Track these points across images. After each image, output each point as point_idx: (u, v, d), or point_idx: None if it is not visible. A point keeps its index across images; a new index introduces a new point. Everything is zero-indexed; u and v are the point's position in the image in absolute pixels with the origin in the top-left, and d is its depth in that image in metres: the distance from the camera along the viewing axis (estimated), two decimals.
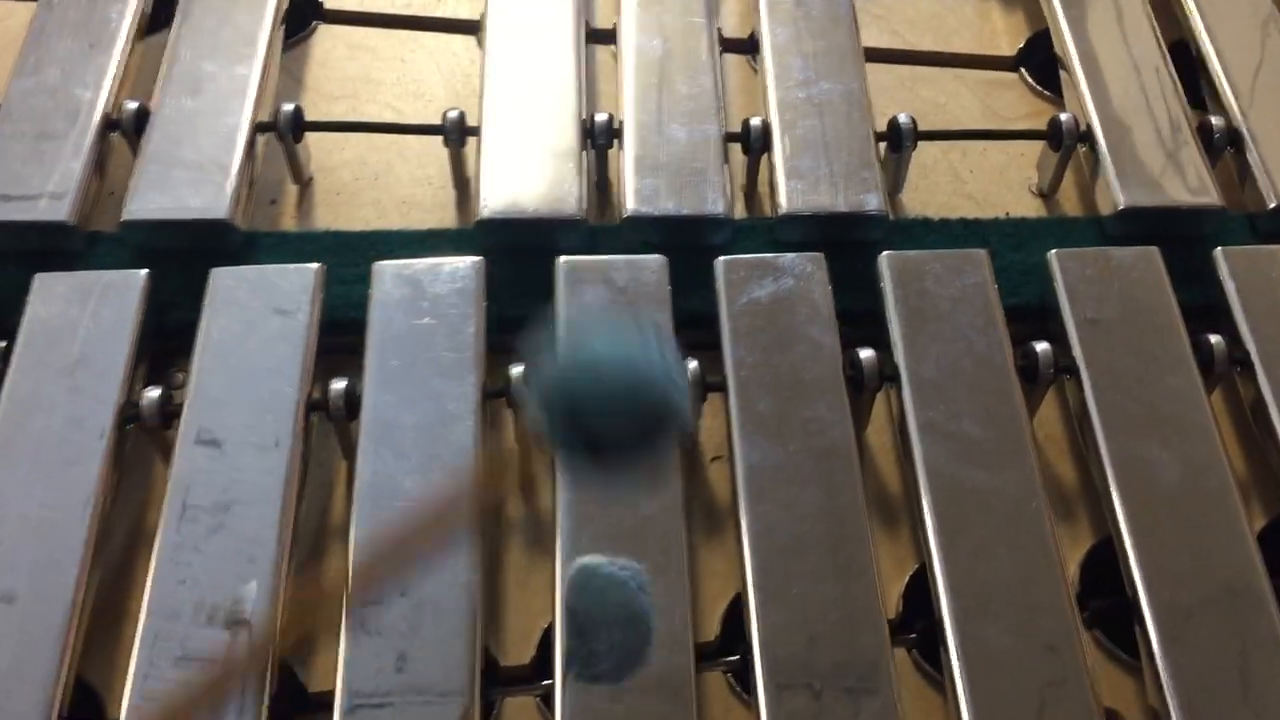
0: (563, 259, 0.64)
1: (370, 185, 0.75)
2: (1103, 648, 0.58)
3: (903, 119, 0.71)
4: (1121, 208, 0.68)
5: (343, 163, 0.75)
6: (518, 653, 0.58)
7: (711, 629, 0.58)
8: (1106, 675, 0.57)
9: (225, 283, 0.63)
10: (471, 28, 0.82)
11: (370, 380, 0.60)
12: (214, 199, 0.67)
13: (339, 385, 0.60)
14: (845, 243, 0.68)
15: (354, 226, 0.71)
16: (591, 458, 0.41)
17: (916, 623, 0.57)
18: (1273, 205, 0.68)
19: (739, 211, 0.73)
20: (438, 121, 0.71)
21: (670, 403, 0.40)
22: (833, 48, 0.75)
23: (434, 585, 0.53)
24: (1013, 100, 0.81)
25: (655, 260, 0.64)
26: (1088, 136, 0.71)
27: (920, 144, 0.74)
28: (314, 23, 0.83)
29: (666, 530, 0.56)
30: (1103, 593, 0.58)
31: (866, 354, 0.61)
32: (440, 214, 0.73)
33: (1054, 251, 0.65)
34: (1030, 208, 0.75)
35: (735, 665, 0.56)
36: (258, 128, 0.71)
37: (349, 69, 0.81)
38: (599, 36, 0.81)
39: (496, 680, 0.57)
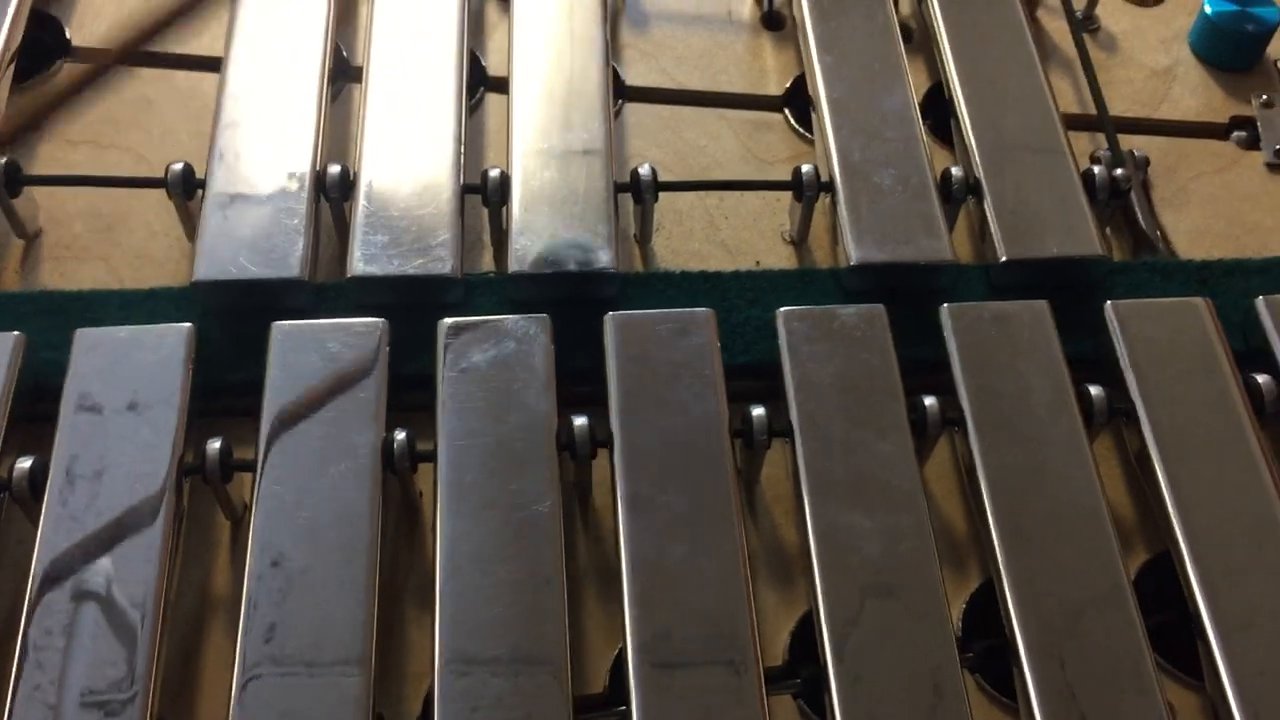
0: (276, 324, 0.62)
1: (102, 238, 0.72)
2: (806, 718, 0.58)
3: (643, 171, 0.70)
4: (854, 263, 0.68)
5: (75, 213, 0.73)
6: None
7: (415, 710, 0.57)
8: None
9: None
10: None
11: (57, 456, 0.58)
12: None
13: (25, 464, 0.57)
14: (579, 301, 0.67)
15: (81, 284, 0.69)
16: None
17: (619, 702, 0.57)
18: (1004, 259, 0.69)
19: (487, 265, 0.72)
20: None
21: None
22: (581, 91, 0.74)
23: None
24: (774, 143, 0.80)
25: (373, 324, 0.63)
26: (830, 187, 0.71)
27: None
28: (60, 60, 0.80)
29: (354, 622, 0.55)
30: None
31: (580, 421, 0.60)
32: (174, 270, 0.71)
33: (782, 310, 0.65)
34: (782, 256, 0.74)
35: None
36: None
37: (92, 112, 0.78)
38: (354, 75, 0.79)
39: None
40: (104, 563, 0.55)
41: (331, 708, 0.52)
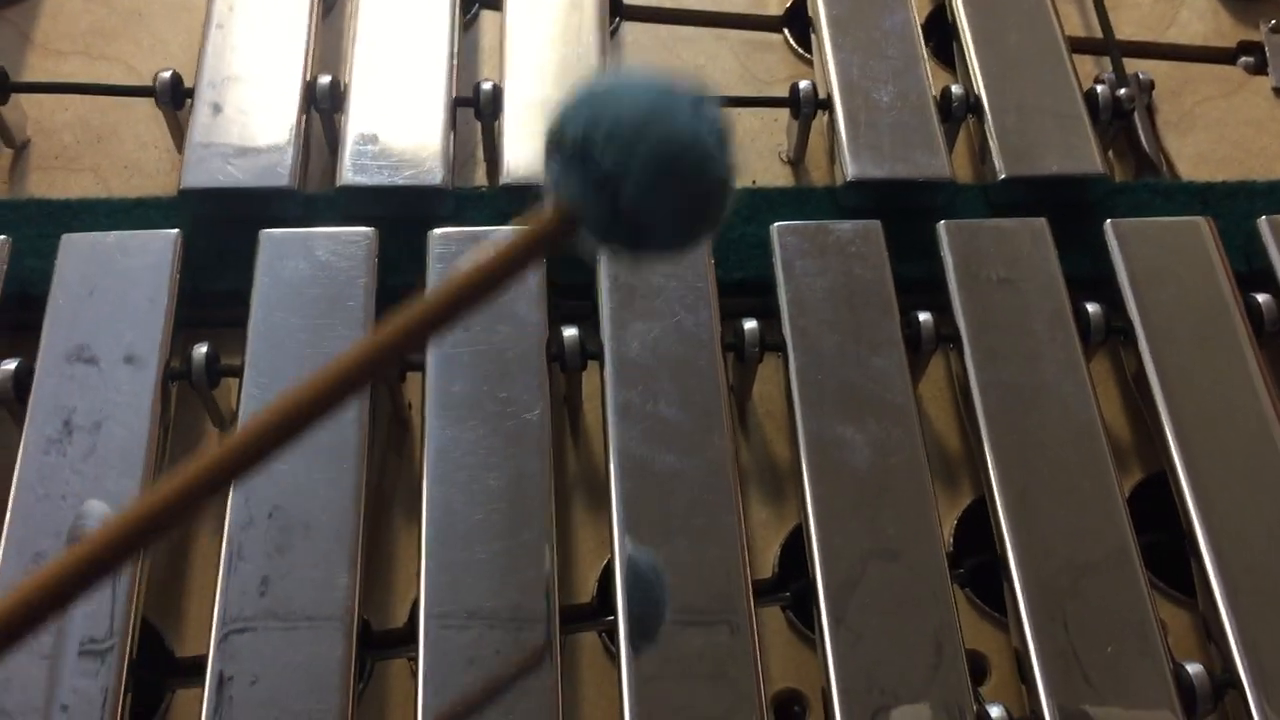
0: (265, 231, 0.62)
1: (91, 149, 0.71)
2: (795, 629, 0.58)
3: None
4: (850, 179, 0.67)
5: (64, 124, 0.72)
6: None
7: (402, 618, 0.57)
8: (795, 653, 0.57)
9: None
10: None
11: (43, 361, 0.57)
12: None
13: (9, 366, 0.57)
14: None
15: (70, 193, 0.68)
16: (609, 207, 0.30)
17: (607, 612, 0.56)
18: (1002, 177, 0.68)
19: (480, 179, 0.71)
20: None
21: (697, 140, 0.29)
22: (577, 8, 0.73)
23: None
24: (772, 63, 0.79)
25: (362, 233, 0.62)
26: (828, 104, 0.70)
27: None
28: None
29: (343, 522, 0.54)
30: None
31: (570, 332, 0.59)
32: (164, 181, 0.70)
33: (776, 225, 0.64)
34: (779, 175, 0.73)
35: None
36: None
37: (82, 23, 0.77)
38: None
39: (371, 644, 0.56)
40: (89, 467, 0.55)
41: (319, 613, 0.52)
